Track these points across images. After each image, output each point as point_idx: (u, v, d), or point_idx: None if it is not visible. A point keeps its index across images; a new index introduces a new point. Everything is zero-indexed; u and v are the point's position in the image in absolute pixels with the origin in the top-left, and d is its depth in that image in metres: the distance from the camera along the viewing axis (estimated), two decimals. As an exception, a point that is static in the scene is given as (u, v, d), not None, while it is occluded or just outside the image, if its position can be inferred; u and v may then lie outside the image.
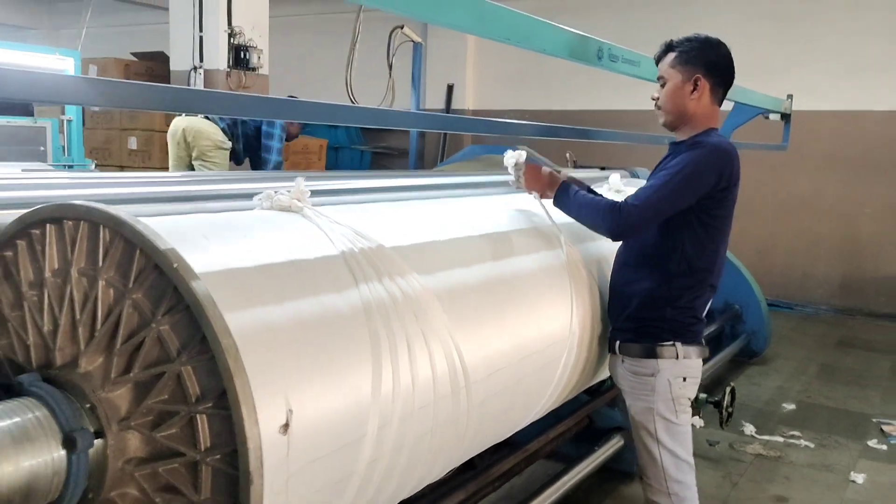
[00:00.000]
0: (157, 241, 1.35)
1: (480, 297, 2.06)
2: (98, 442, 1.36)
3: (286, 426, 1.36)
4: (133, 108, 1.60)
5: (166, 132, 8.13)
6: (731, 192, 2.37)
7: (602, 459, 3.40)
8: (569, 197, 2.41)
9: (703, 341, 2.48)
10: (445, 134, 10.31)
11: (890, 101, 7.83)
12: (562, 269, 2.47)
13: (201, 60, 7.22)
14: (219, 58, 7.16)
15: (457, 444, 1.92)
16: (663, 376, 2.36)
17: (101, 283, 1.42)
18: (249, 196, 2.39)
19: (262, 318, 1.41)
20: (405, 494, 1.87)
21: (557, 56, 2.72)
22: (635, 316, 2.42)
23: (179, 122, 5.27)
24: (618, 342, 2.47)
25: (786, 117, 6.64)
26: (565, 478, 3.14)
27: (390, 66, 6.55)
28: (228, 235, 1.59)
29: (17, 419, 1.30)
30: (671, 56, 2.40)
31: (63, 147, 5.95)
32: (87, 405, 1.38)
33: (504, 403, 2.13)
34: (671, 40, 2.44)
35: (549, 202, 2.52)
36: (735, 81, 2.49)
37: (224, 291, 1.36)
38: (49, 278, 1.48)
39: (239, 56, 7.24)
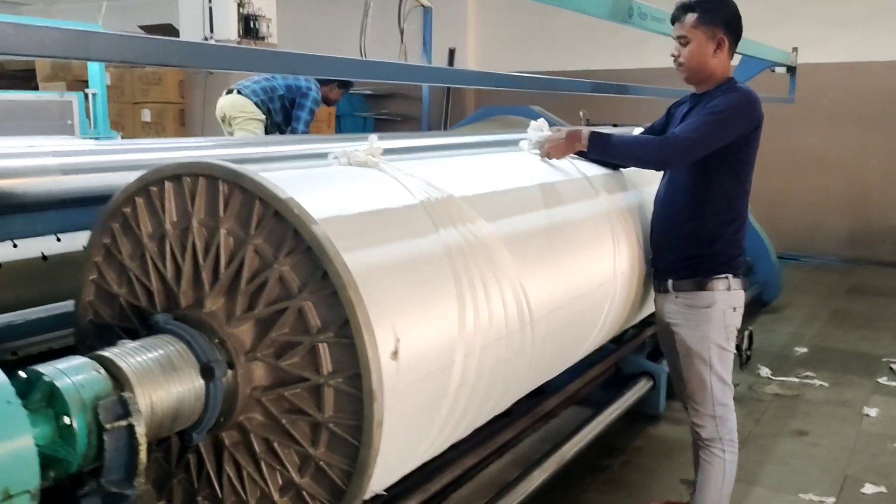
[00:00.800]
0: (277, 191, 1.50)
1: (538, 243, 2.23)
2: (229, 372, 1.53)
3: (395, 353, 1.53)
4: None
5: (180, 104, 8.25)
6: (758, 133, 2.59)
7: (630, 403, 3.60)
8: (607, 139, 2.60)
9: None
10: (449, 98, 10.37)
11: (892, 51, 7.90)
12: (604, 216, 2.64)
13: (212, 31, 7.28)
14: (229, 28, 7.21)
15: (524, 373, 2.10)
16: (718, 307, 2.54)
17: (222, 232, 1.57)
18: (308, 157, 2.54)
19: (367, 258, 1.58)
20: (481, 421, 2.06)
21: (597, 16, 2.86)
22: (686, 255, 2.59)
23: (220, 103, 5.63)
24: (670, 281, 2.63)
25: (791, 70, 6.76)
26: (598, 419, 3.34)
27: (402, 32, 6.63)
28: (323, 187, 1.75)
29: (161, 352, 1.47)
30: (692, 17, 2.53)
31: (89, 120, 6.07)
32: (216, 340, 1.55)
33: (562, 338, 2.31)
34: (688, 0, 2.56)
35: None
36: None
37: (336, 234, 1.52)
38: (169, 230, 1.64)
39: (248, 26, 7.30)
